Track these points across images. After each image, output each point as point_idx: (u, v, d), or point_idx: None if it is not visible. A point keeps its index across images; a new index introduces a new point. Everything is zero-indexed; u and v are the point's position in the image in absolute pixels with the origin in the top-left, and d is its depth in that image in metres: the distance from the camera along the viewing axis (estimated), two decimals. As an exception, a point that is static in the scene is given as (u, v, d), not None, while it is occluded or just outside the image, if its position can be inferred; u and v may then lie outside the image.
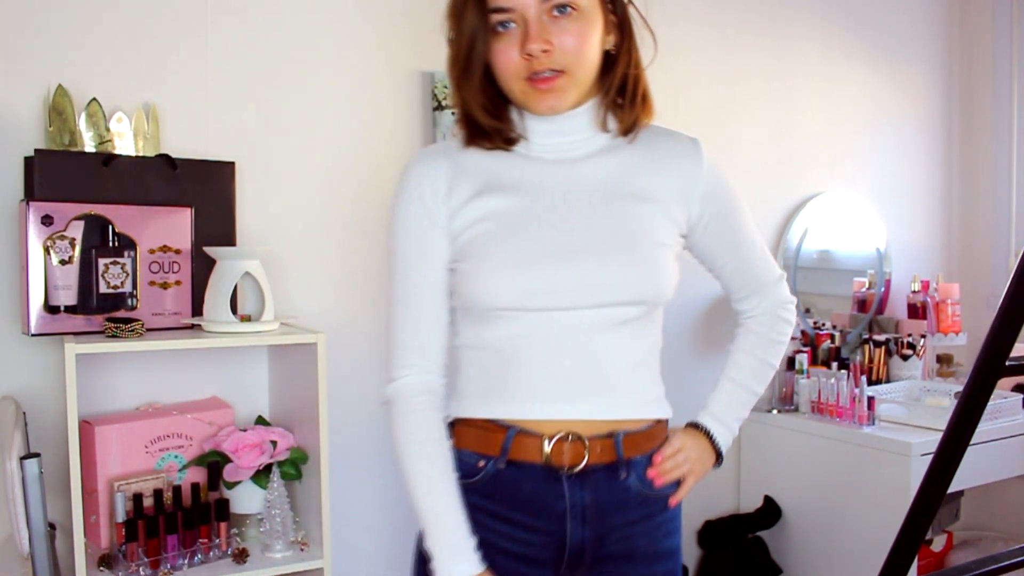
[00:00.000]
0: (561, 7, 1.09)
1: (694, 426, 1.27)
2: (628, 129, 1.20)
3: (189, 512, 1.57)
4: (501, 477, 1.14)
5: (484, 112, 1.16)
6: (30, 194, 1.61)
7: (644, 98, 1.21)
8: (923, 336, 2.69)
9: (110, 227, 1.61)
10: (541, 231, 1.13)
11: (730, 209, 1.25)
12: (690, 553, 2.50)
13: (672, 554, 1.23)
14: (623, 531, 1.17)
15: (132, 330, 1.52)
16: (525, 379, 1.13)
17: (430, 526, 1.12)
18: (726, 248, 1.26)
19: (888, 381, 2.66)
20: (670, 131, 1.25)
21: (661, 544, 1.21)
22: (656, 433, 1.20)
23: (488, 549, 1.14)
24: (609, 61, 1.17)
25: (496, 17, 1.10)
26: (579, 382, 1.13)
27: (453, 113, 2.04)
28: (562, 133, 1.18)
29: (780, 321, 1.30)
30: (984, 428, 2.22)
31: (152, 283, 1.65)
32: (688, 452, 1.22)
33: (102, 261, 1.60)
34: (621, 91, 1.19)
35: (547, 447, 1.12)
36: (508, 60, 1.11)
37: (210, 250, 1.66)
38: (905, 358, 2.66)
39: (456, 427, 1.19)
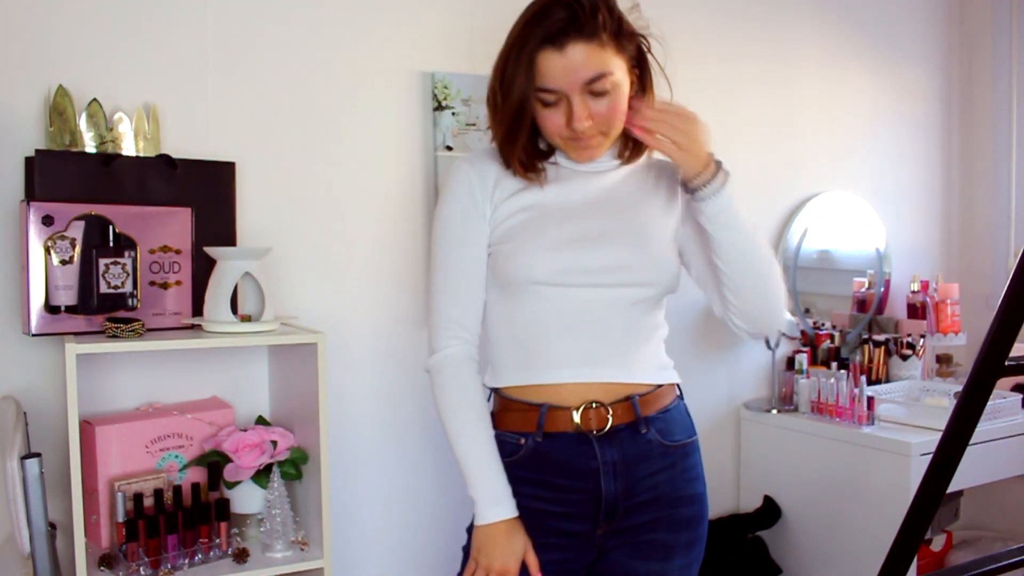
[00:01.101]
0: (598, 92, 1.27)
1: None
2: (635, 156, 1.41)
3: (189, 512, 1.57)
4: (540, 449, 1.34)
5: (520, 166, 1.35)
6: (30, 194, 1.61)
7: None
8: (923, 336, 2.69)
9: (110, 227, 1.61)
10: (571, 221, 1.34)
11: None
12: (690, 553, 2.50)
13: (696, 500, 1.40)
14: (648, 480, 1.35)
15: (132, 330, 1.52)
16: (553, 348, 1.33)
17: (471, 477, 1.32)
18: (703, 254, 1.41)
19: (888, 381, 2.66)
20: (669, 162, 1.41)
21: (684, 490, 1.38)
22: (666, 392, 1.39)
23: (534, 512, 1.33)
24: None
25: (545, 96, 1.28)
26: (599, 350, 1.33)
27: (454, 113, 2.05)
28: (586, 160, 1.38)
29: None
30: (984, 428, 2.22)
31: (152, 283, 1.65)
32: (685, 123, 1.28)
33: (102, 261, 1.60)
34: None
35: (576, 416, 1.32)
36: (555, 125, 1.30)
37: (210, 250, 1.66)
38: (905, 358, 2.66)
39: (496, 412, 1.39)
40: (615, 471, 1.33)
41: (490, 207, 1.36)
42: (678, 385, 1.45)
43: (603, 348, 1.33)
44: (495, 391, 1.41)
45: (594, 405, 1.32)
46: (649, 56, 1.35)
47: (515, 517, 1.32)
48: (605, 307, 1.33)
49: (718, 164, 1.33)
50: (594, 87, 1.26)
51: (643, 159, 1.43)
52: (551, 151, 1.39)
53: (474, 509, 1.33)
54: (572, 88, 1.26)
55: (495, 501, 1.31)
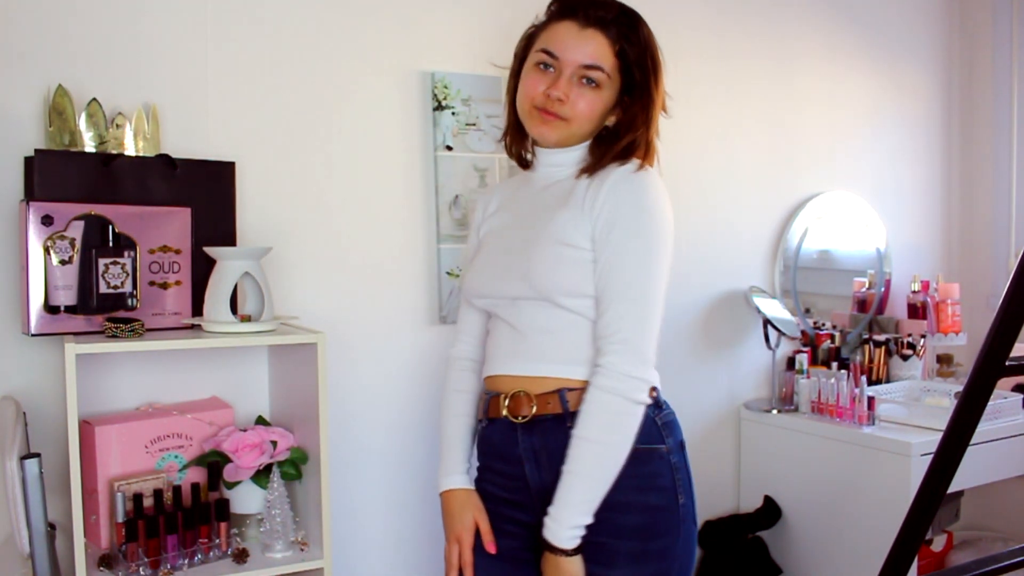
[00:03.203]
0: (589, 79, 1.37)
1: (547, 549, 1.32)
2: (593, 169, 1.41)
3: (189, 512, 1.57)
4: (484, 433, 1.48)
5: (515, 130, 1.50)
6: (30, 194, 1.60)
7: (636, 151, 1.41)
8: (923, 336, 2.69)
9: (110, 227, 1.61)
10: (498, 239, 1.48)
11: (620, 232, 1.32)
12: (690, 553, 2.50)
13: (645, 510, 1.34)
14: None
15: (132, 330, 1.52)
16: (492, 345, 1.47)
17: (439, 451, 1.52)
18: (602, 271, 1.33)
19: (888, 381, 2.66)
20: (607, 177, 1.39)
21: (630, 496, 1.33)
22: None
23: (492, 496, 1.46)
24: (606, 130, 1.44)
25: (543, 57, 1.39)
26: (523, 347, 1.40)
27: (454, 113, 2.05)
28: (552, 165, 1.47)
29: (621, 400, 1.31)
30: (984, 428, 2.22)
31: (152, 283, 1.65)
32: None
33: (102, 261, 1.60)
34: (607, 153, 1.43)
35: (504, 403, 1.41)
36: (533, 87, 1.40)
37: (210, 250, 1.66)
38: (905, 358, 2.66)
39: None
40: (537, 459, 1.39)
41: (480, 233, 1.55)
42: (655, 388, 1.38)
43: (527, 345, 1.40)
44: None
45: (522, 394, 1.39)
46: (646, 99, 1.40)
47: (466, 489, 1.47)
48: (516, 312, 1.41)
49: (558, 551, 1.31)
50: (588, 73, 1.37)
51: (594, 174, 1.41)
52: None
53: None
54: (569, 63, 1.37)
55: (446, 472, 1.49)
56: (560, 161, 1.45)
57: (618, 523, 1.33)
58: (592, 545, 1.33)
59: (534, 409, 1.38)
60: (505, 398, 1.40)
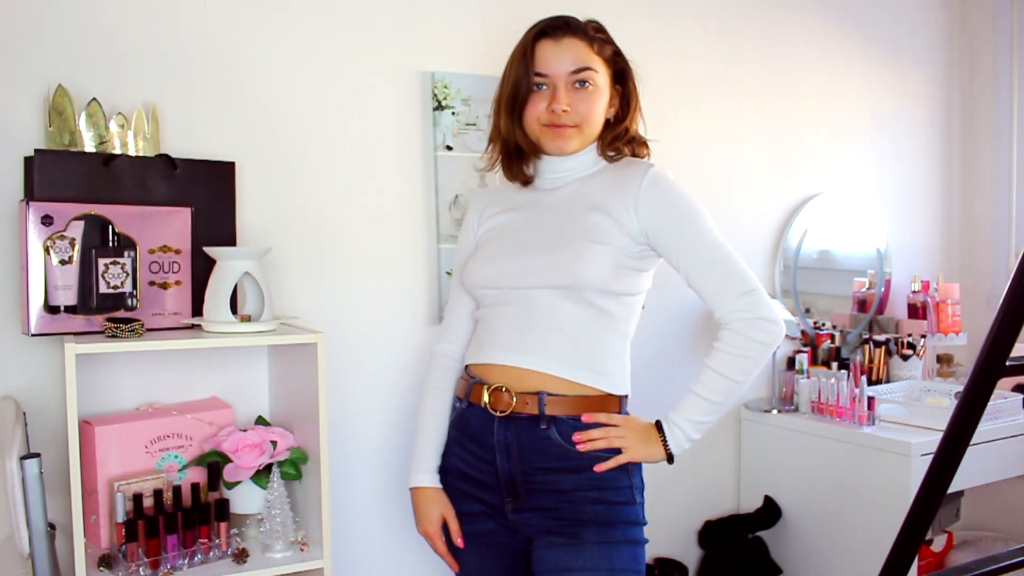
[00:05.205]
0: (582, 82, 1.50)
1: (656, 424, 1.49)
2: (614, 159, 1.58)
3: (189, 512, 1.57)
4: (464, 415, 1.56)
5: (514, 167, 1.59)
6: (30, 194, 1.60)
7: (633, 145, 1.60)
8: (923, 336, 2.69)
9: (110, 227, 1.61)
10: (513, 236, 1.55)
11: (678, 219, 1.47)
12: (690, 553, 2.50)
13: (601, 502, 1.45)
14: (548, 474, 1.47)
15: (132, 330, 1.52)
16: (488, 335, 1.53)
17: (413, 446, 1.61)
18: (683, 256, 1.47)
19: (888, 381, 2.66)
20: (635, 160, 1.58)
21: (588, 493, 1.46)
22: (587, 403, 1.47)
23: (462, 474, 1.55)
24: (608, 122, 1.57)
25: (535, 79, 1.51)
26: (519, 339, 1.48)
27: (454, 113, 2.05)
28: (561, 170, 1.57)
29: (749, 340, 1.43)
30: (984, 428, 2.22)
31: (152, 283, 1.65)
32: (625, 432, 1.46)
33: (102, 261, 1.59)
34: (615, 142, 1.58)
35: (486, 394, 1.49)
36: (536, 110, 1.52)
37: (210, 250, 1.66)
38: (905, 358, 2.66)
39: (458, 379, 1.63)
40: (509, 451, 1.48)
41: (477, 227, 1.63)
42: (626, 398, 1.53)
43: (522, 337, 1.48)
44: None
45: (504, 389, 1.47)
46: (631, 83, 1.57)
47: (433, 487, 1.56)
48: (532, 305, 1.47)
49: (664, 442, 1.46)
50: (579, 76, 1.49)
51: (610, 165, 1.57)
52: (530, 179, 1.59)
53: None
54: (559, 74, 1.49)
55: (417, 469, 1.58)
56: (568, 167, 1.56)
57: (579, 513, 1.45)
58: (564, 523, 1.45)
59: (512, 406, 1.46)
60: (486, 389, 1.49)
